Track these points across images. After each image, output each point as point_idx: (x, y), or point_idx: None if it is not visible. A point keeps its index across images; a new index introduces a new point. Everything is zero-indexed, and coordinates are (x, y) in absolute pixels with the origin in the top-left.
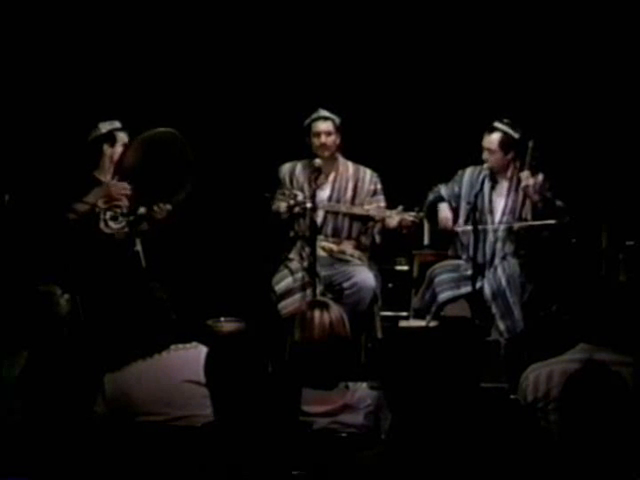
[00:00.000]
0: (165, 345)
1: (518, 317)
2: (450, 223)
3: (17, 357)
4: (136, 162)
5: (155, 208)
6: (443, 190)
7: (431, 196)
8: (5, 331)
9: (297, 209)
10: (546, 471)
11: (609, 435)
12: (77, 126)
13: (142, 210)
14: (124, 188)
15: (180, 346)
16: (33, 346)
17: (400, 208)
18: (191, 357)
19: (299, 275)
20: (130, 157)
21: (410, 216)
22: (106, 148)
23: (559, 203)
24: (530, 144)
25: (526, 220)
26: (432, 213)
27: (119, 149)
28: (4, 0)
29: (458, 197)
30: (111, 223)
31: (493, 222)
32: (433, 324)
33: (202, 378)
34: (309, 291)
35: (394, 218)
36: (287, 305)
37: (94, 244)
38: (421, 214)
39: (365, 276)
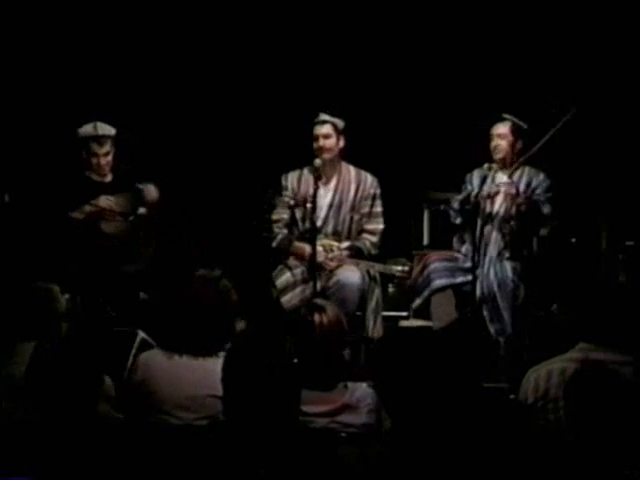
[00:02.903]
0: (216, 351)
1: (508, 321)
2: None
3: (14, 354)
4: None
5: None
6: (457, 197)
7: (455, 203)
8: (3, 328)
9: (298, 210)
10: (545, 471)
11: (609, 434)
12: (73, 125)
13: (142, 210)
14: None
15: (221, 354)
16: (38, 342)
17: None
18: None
19: (298, 270)
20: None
21: (398, 272)
22: (83, 153)
23: (546, 210)
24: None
25: (519, 215)
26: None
27: (89, 157)
28: (3, 1)
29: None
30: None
31: (491, 216)
32: (421, 323)
33: None
34: (310, 285)
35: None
36: (290, 299)
37: (94, 244)
38: (406, 268)
39: (348, 274)
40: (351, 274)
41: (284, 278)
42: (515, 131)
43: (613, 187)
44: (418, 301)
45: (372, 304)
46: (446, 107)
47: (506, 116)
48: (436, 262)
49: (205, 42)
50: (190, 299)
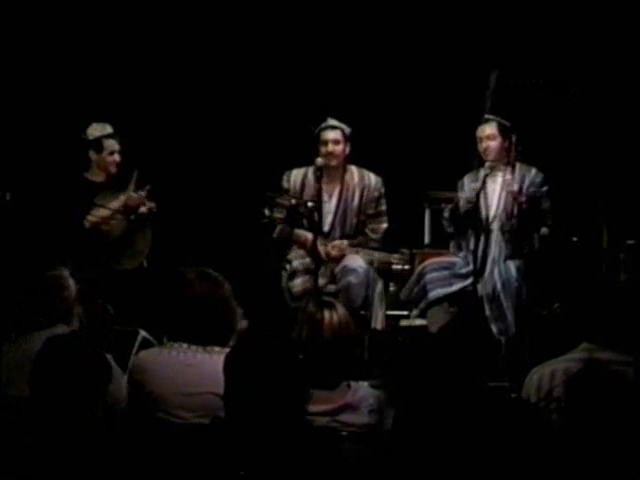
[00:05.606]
0: (224, 342)
1: (511, 321)
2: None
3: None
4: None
5: None
6: (448, 206)
7: (446, 213)
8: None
9: (300, 209)
10: (547, 470)
11: (611, 434)
12: (72, 126)
13: (143, 209)
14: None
15: (216, 349)
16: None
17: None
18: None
19: (303, 261)
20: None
21: (396, 259)
22: (92, 154)
23: (546, 206)
24: (513, 138)
25: (520, 213)
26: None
27: (106, 156)
28: (2, 2)
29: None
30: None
31: (488, 217)
32: (422, 323)
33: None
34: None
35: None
36: (297, 284)
37: (92, 241)
38: (405, 257)
39: (354, 261)
40: (355, 260)
41: (295, 263)
42: (503, 129)
43: (614, 186)
44: (415, 312)
45: (376, 293)
46: (448, 107)
47: (489, 117)
48: (433, 272)
49: (207, 40)
50: (188, 294)
